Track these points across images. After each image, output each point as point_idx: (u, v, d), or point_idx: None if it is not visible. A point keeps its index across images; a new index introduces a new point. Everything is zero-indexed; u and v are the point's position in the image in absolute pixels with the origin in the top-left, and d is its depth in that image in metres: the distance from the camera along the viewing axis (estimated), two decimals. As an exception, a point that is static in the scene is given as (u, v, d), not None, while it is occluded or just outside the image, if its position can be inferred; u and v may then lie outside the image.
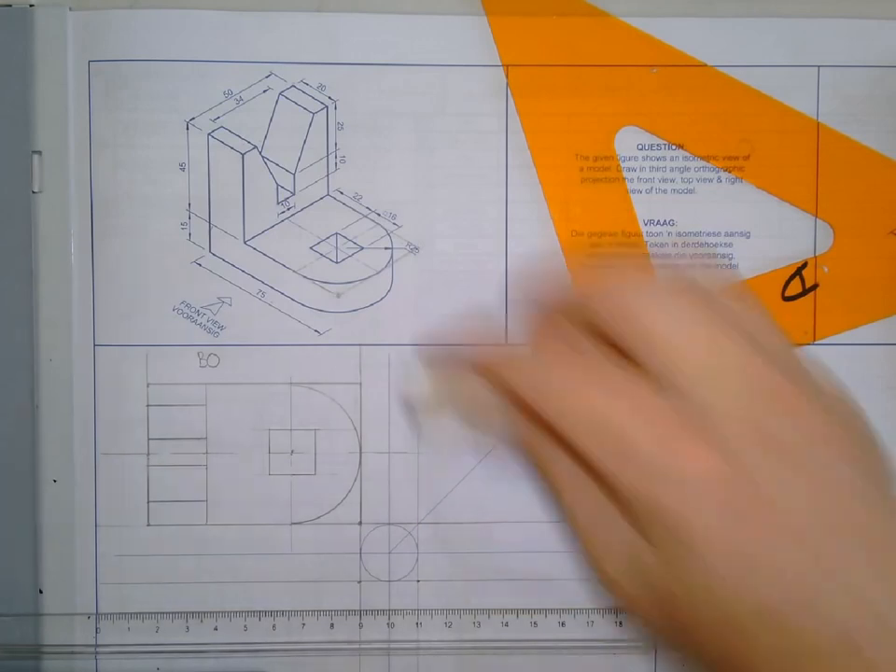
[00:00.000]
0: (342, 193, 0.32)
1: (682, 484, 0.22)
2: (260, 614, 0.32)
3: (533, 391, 0.24)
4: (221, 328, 0.32)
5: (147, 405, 0.32)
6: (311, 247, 0.32)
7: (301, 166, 0.32)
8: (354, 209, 0.32)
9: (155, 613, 0.32)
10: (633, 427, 0.23)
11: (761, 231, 0.32)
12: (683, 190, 0.32)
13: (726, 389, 0.23)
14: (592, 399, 0.23)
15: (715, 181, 0.32)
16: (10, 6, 0.31)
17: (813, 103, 0.32)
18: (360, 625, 0.32)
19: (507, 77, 0.32)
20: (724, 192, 0.32)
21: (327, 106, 0.32)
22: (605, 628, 0.32)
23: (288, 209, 0.32)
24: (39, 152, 0.31)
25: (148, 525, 0.32)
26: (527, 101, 0.32)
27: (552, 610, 0.32)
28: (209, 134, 0.31)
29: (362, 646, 0.32)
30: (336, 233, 0.32)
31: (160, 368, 0.32)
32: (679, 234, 0.32)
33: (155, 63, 0.31)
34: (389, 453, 0.32)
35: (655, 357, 0.23)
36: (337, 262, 0.32)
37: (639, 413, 0.23)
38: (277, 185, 0.32)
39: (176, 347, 0.32)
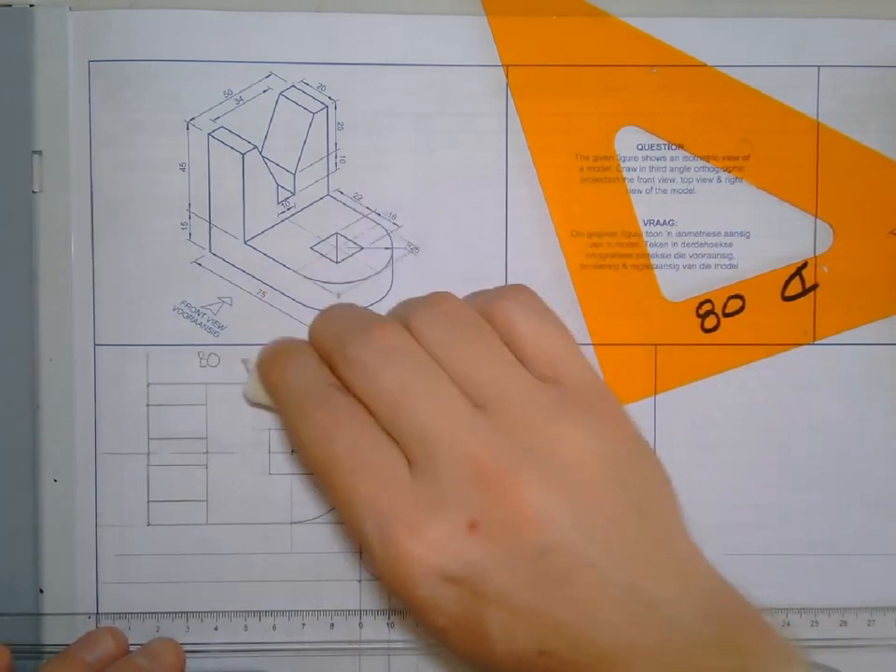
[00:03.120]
0: (342, 193, 0.32)
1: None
2: (260, 614, 0.32)
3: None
4: (221, 328, 0.32)
5: (147, 405, 0.32)
6: (311, 247, 0.32)
7: (301, 166, 0.32)
8: (354, 209, 0.32)
9: (155, 613, 0.32)
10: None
11: (761, 230, 0.32)
12: (683, 190, 0.32)
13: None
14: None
15: (715, 181, 0.32)
16: (10, 6, 0.31)
17: (813, 103, 0.32)
18: (360, 625, 0.32)
19: (507, 76, 0.32)
20: (724, 192, 0.32)
21: (327, 106, 0.32)
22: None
23: (288, 209, 0.32)
24: (39, 152, 0.31)
25: (148, 524, 0.32)
26: (527, 101, 0.32)
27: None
28: (209, 134, 0.31)
29: (362, 646, 0.32)
30: (336, 233, 0.32)
31: (160, 368, 0.32)
32: (678, 234, 0.32)
33: (155, 62, 0.31)
34: (389, 453, 0.32)
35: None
36: (337, 262, 0.32)
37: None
38: (277, 185, 0.32)
39: (177, 347, 0.32)
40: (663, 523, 0.25)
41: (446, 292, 0.27)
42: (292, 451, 0.32)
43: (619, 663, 0.23)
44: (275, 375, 0.28)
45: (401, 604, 0.24)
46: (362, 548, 0.25)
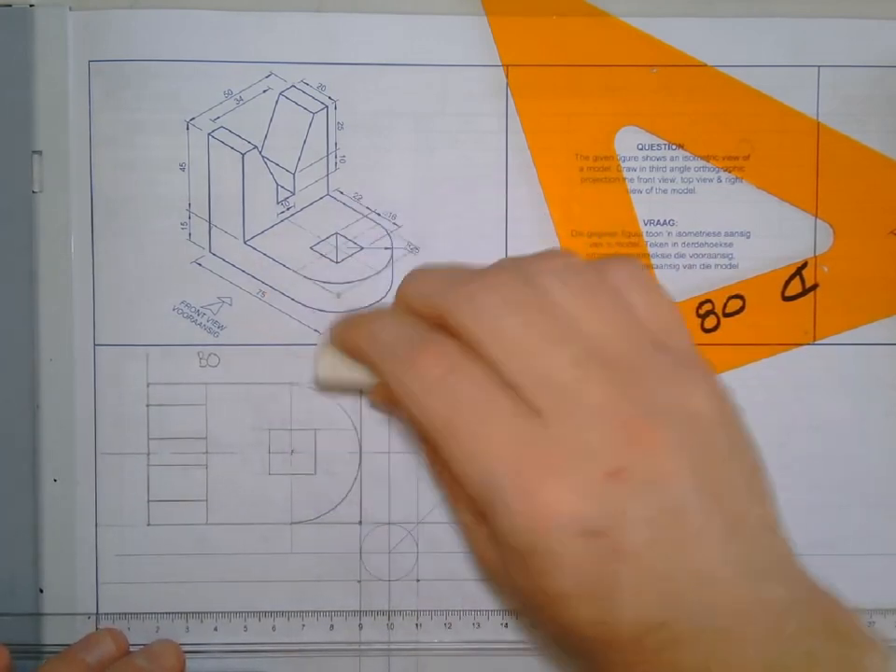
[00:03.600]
0: (342, 193, 0.32)
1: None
2: (260, 614, 0.32)
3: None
4: (221, 328, 0.32)
5: (147, 405, 0.32)
6: (311, 247, 0.32)
7: (300, 166, 0.32)
8: (354, 209, 0.32)
9: (155, 614, 0.32)
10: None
11: (761, 230, 0.32)
12: (683, 190, 0.32)
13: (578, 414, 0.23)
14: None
15: (715, 181, 0.32)
16: (10, 6, 0.31)
17: (813, 103, 0.32)
18: (360, 626, 0.32)
19: (507, 77, 0.32)
20: (724, 192, 0.32)
21: (327, 106, 0.32)
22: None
23: (288, 209, 0.32)
24: (39, 152, 0.31)
25: (148, 524, 0.32)
26: (527, 101, 0.32)
27: (552, 610, 0.32)
28: (209, 134, 0.31)
29: (362, 647, 0.32)
30: (336, 233, 0.32)
31: (160, 368, 0.32)
32: (679, 234, 0.32)
33: (155, 62, 0.31)
34: (389, 452, 0.32)
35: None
36: (337, 262, 0.32)
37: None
38: (277, 185, 0.32)
39: (176, 347, 0.32)
40: (764, 496, 0.25)
41: (562, 248, 0.26)
42: (291, 452, 0.32)
43: (736, 647, 0.22)
44: (364, 335, 0.26)
45: (525, 567, 0.23)
46: (488, 504, 0.23)
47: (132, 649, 0.31)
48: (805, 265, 0.32)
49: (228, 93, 0.31)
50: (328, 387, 0.31)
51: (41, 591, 0.31)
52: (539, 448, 0.22)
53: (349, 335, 0.27)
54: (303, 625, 0.32)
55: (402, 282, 0.27)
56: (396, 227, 0.32)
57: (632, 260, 0.26)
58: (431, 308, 0.25)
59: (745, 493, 0.24)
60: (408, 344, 0.25)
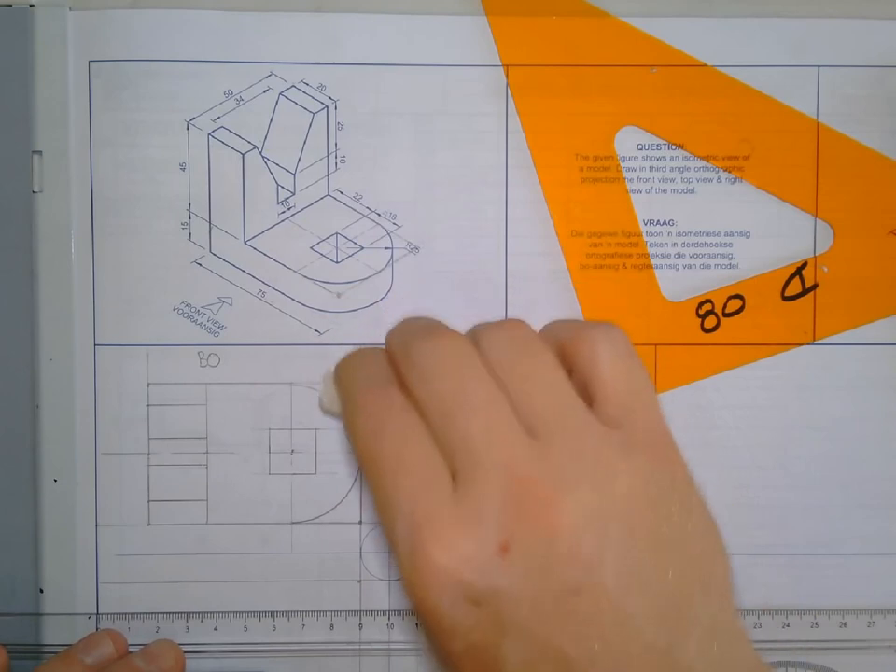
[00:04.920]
0: (342, 193, 0.32)
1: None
2: (260, 614, 0.32)
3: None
4: (221, 328, 0.32)
5: (148, 405, 0.32)
6: (311, 247, 0.32)
7: (301, 166, 0.32)
8: (354, 209, 0.32)
9: (155, 613, 0.32)
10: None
11: (761, 230, 0.32)
12: (683, 190, 0.32)
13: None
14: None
15: (715, 181, 0.32)
16: (10, 6, 0.31)
17: (813, 103, 0.32)
18: (360, 626, 0.32)
19: (507, 77, 0.32)
20: (724, 192, 0.32)
21: (327, 106, 0.32)
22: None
23: (288, 209, 0.32)
24: (39, 152, 0.31)
25: (149, 524, 0.32)
26: (527, 101, 0.32)
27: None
28: (209, 134, 0.31)
29: (362, 647, 0.32)
30: (336, 233, 0.32)
31: (160, 368, 0.32)
32: (678, 234, 0.32)
33: (155, 62, 0.31)
34: (389, 453, 0.32)
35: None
36: (337, 262, 0.32)
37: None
38: (277, 185, 0.32)
39: (177, 347, 0.32)
40: (713, 593, 0.23)
41: (519, 319, 0.26)
42: (291, 451, 0.32)
43: None
44: (344, 374, 0.28)
45: (420, 620, 0.23)
46: (391, 550, 0.24)
47: (131, 649, 0.31)
48: (804, 265, 0.32)
49: (228, 93, 0.31)
50: (331, 415, 0.31)
51: (41, 591, 0.31)
52: (440, 508, 0.23)
53: (338, 371, 0.28)
54: (303, 625, 0.32)
55: (392, 327, 0.28)
56: (396, 227, 0.32)
57: (612, 327, 0.26)
58: (394, 360, 0.26)
59: (679, 583, 0.22)
60: (365, 387, 0.26)
